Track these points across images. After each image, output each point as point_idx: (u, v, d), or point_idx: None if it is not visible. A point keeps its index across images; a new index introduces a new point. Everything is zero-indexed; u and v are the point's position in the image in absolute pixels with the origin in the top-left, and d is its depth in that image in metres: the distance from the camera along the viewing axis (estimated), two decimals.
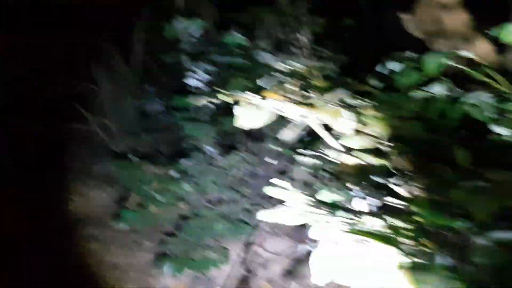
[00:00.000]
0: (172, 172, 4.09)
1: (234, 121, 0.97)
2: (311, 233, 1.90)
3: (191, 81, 4.22)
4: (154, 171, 4.23)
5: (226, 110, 4.78)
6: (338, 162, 0.98)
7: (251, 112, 1.01)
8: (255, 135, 4.54)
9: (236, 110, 0.98)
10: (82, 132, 7.88)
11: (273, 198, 4.00)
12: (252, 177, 4.50)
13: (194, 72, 4.45)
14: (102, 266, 4.30)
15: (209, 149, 4.00)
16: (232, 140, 4.59)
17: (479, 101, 1.60)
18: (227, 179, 3.77)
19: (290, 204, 1.76)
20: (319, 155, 1.30)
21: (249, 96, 0.95)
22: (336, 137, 0.99)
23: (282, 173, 4.02)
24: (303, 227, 2.55)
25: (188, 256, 3.41)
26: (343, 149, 0.96)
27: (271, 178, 4.26)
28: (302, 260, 3.70)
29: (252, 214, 3.83)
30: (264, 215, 1.62)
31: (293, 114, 0.98)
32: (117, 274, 4.13)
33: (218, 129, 4.12)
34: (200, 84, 4.32)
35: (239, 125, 1.00)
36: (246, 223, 3.61)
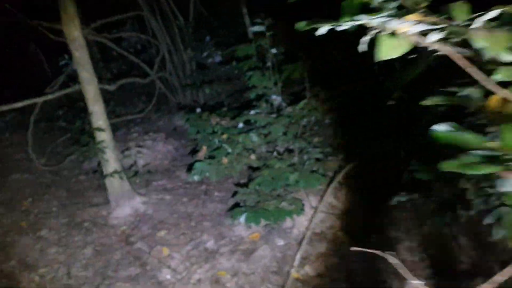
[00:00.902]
0: (240, 124, 4.03)
1: (377, 52, 0.79)
2: None
3: (255, 28, 4.02)
4: (222, 123, 4.19)
5: (290, 58, 4.60)
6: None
7: (392, 41, 0.83)
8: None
9: (378, 39, 0.80)
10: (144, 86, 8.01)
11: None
12: (321, 126, 4.36)
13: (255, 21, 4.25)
14: (176, 217, 4.43)
15: (276, 98, 3.86)
16: (299, 88, 4.43)
17: None
18: (296, 128, 3.63)
19: None
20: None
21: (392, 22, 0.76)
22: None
23: None
24: None
25: (263, 207, 3.38)
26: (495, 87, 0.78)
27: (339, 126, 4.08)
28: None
29: (325, 164, 3.71)
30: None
31: (432, 41, 0.78)
32: (191, 224, 4.24)
33: (283, 77, 3.96)
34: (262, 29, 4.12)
35: (380, 57, 0.82)
36: (319, 173, 3.50)
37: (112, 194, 4.65)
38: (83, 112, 7.10)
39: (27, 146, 6.29)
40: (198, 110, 4.54)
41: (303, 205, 3.45)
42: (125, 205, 4.63)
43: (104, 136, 4.41)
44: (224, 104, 5.89)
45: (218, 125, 4.11)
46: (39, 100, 4.96)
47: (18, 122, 7.92)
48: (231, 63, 6.40)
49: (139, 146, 6.12)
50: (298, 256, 2.81)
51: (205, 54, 6.28)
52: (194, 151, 5.09)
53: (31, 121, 5.93)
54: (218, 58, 6.27)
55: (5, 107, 4.74)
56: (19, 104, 4.71)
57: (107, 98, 6.09)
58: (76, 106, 7.30)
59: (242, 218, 3.40)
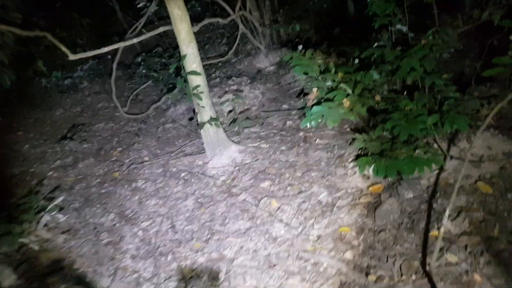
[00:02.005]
0: (355, 60, 3.48)
1: None
2: None
3: None
4: (331, 60, 3.67)
5: None
6: None
7: None
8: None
9: None
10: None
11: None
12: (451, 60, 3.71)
13: None
14: (277, 166, 4.08)
15: (401, 27, 3.24)
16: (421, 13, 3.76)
17: None
18: (430, 63, 3.02)
19: None
20: None
21: None
22: None
23: None
24: None
25: (392, 155, 2.90)
26: None
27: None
28: None
29: (464, 104, 3.12)
30: None
31: None
32: (296, 174, 3.88)
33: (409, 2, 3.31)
34: None
35: None
36: (462, 115, 2.89)
37: (207, 142, 4.37)
38: (163, 57, 6.86)
39: (111, 94, 6.15)
40: (300, 47, 4.02)
41: (441, 153, 2.94)
42: (222, 154, 4.34)
43: (200, 80, 4.05)
44: (316, 41, 5.33)
45: (330, 63, 3.59)
46: (124, 44, 4.67)
47: (96, 71, 7.83)
48: None
49: (224, 91, 5.77)
50: (447, 212, 2.34)
51: None
52: (301, 94, 4.63)
53: (113, 68, 5.73)
54: None
55: (92, 53, 4.49)
56: (105, 49, 4.43)
57: None
58: (155, 52, 7.03)
59: (370, 169, 2.96)
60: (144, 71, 6.59)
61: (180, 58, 4.01)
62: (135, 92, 6.60)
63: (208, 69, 6.54)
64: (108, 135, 5.85)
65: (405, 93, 3.14)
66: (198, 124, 4.25)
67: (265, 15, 6.61)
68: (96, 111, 6.87)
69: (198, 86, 4.04)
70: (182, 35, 3.93)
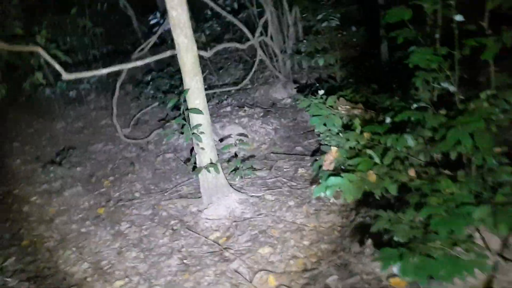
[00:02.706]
0: (387, 119, 2.87)
1: None
2: None
3: None
4: (357, 112, 3.10)
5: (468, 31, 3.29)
6: None
7: None
8: None
9: None
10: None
11: None
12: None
13: None
14: (282, 228, 3.48)
15: (448, 86, 2.61)
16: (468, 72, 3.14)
17: None
18: (485, 138, 2.38)
19: None
20: None
21: None
22: None
23: None
24: None
25: (423, 250, 2.28)
26: None
27: None
28: None
29: None
30: None
31: None
32: (303, 243, 3.27)
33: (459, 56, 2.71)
34: None
35: None
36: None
37: (204, 188, 3.81)
38: (173, 78, 6.36)
39: (112, 114, 5.66)
40: (321, 91, 3.45)
41: (489, 253, 2.32)
42: (219, 203, 3.77)
43: (201, 119, 3.51)
44: (341, 81, 4.76)
45: (356, 117, 3.01)
46: (126, 66, 4.17)
47: (104, 84, 7.39)
48: (349, 27, 5.18)
49: (234, 123, 5.22)
50: None
51: (319, 16, 5.09)
52: (316, 152, 4.06)
53: (116, 87, 5.24)
54: (335, 22, 5.06)
55: (88, 74, 4.02)
56: (104, 71, 3.94)
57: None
58: (166, 71, 6.55)
59: (395, 268, 2.35)
60: (152, 91, 6.10)
61: (182, 91, 3.48)
62: (139, 114, 6.10)
63: (219, 95, 6.02)
64: (103, 159, 5.35)
65: (446, 170, 2.53)
66: (194, 168, 3.70)
67: (287, 42, 6.07)
68: (97, 128, 6.41)
69: (199, 125, 3.50)
70: (186, 67, 3.40)
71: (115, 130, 6.05)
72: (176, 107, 5.65)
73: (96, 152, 5.57)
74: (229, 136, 4.96)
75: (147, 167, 4.94)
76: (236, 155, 4.51)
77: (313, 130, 5.06)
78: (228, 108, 5.75)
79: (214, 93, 5.81)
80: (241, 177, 3.99)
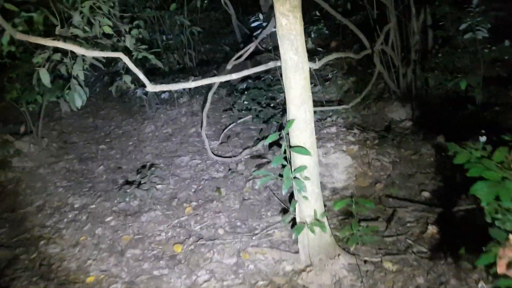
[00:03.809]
0: None
1: None
2: None
3: None
4: None
5: None
6: None
7: None
8: None
9: None
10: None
11: None
12: None
13: None
14: None
15: None
16: None
17: None
18: None
19: None
20: None
21: None
22: None
23: None
24: None
25: None
26: None
27: None
28: None
29: None
30: None
31: None
32: None
33: None
34: None
35: None
36: None
37: (303, 244, 2.97)
38: (271, 89, 5.58)
39: (200, 127, 5.05)
40: (483, 138, 2.40)
41: None
42: (322, 268, 2.91)
43: (307, 161, 2.67)
44: (480, 106, 3.59)
45: None
46: (218, 80, 3.47)
47: (198, 87, 6.85)
48: (501, 41, 3.96)
49: (340, 150, 4.30)
50: None
51: (462, 25, 3.95)
52: (457, 211, 2.99)
53: (208, 99, 4.59)
54: (482, 34, 3.88)
55: (175, 86, 3.38)
56: (193, 84, 3.26)
57: None
58: (264, 79, 5.78)
59: None
60: (246, 102, 5.38)
61: (286, 122, 2.65)
62: (231, 126, 5.43)
63: (323, 112, 5.11)
64: (188, 176, 4.75)
65: None
66: (293, 225, 2.86)
67: (411, 52, 4.96)
68: (186, 137, 5.86)
69: (303, 167, 2.66)
70: (293, 91, 2.57)
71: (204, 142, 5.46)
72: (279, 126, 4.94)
73: (181, 166, 5.00)
74: (334, 167, 4.06)
75: (235, 194, 4.23)
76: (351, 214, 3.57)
77: (445, 171, 4.00)
78: (333, 129, 4.83)
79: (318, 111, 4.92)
80: (358, 243, 3.07)
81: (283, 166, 2.71)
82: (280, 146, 3.11)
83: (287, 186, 2.63)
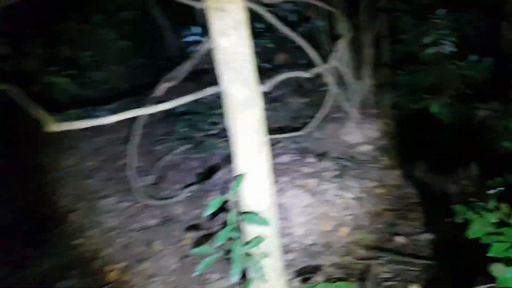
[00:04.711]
0: None
1: None
2: None
3: None
4: None
5: None
6: None
7: None
8: None
9: None
10: None
11: None
12: None
13: None
14: None
15: None
16: None
17: None
18: None
19: None
20: None
21: None
22: None
23: None
24: None
25: None
26: None
27: None
28: None
29: None
30: None
31: None
32: None
33: None
34: None
35: None
36: None
37: None
38: (214, 113, 4.83)
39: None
40: (495, 191, 1.80)
41: None
42: None
43: (266, 231, 1.95)
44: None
45: None
46: (145, 112, 2.71)
47: (129, 102, 5.92)
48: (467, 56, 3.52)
49: (296, 186, 3.66)
50: None
51: (427, 39, 3.47)
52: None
53: (134, 134, 3.77)
54: (449, 48, 3.42)
55: (88, 123, 2.56)
56: (114, 118, 2.45)
57: None
58: (206, 101, 4.99)
59: None
60: (185, 129, 4.58)
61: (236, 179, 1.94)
62: (168, 157, 4.62)
63: (271, 143, 4.44)
64: (114, 225, 3.88)
65: None
66: None
67: (365, 68, 4.45)
68: (114, 170, 4.93)
69: (260, 240, 1.94)
70: (243, 137, 1.86)
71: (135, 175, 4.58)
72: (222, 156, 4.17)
73: (105, 211, 4.10)
74: (290, 207, 3.40)
75: (172, 249, 3.44)
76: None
77: (416, 202, 3.47)
78: (286, 158, 4.19)
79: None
80: None
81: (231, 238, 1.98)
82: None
83: (238, 269, 1.90)
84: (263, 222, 1.88)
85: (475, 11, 3.74)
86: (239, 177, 1.91)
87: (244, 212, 1.93)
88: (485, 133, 3.31)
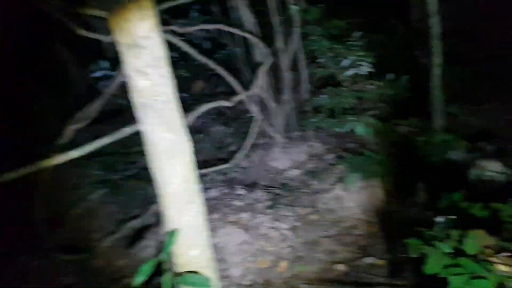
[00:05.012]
0: None
1: None
2: None
3: None
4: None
5: None
6: None
7: None
8: None
9: None
10: None
11: None
12: None
13: None
14: None
15: None
16: None
17: None
18: None
19: None
20: None
21: None
22: None
23: None
24: None
25: None
26: None
27: None
28: None
29: None
30: None
31: None
32: None
33: None
34: None
35: None
36: None
37: None
38: (130, 151, 4.46)
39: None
40: (439, 219, 1.74)
41: None
42: None
43: None
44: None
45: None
46: (47, 164, 2.33)
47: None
48: (384, 75, 3.62)
49: (229, 222, 3.44)
50: None
51: (345, 61, 3.51)
52: None
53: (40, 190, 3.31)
54: (365, 69, 3.49)
55: None
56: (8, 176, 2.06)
57: None
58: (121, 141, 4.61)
59: None
60: (99, 172, 4.17)
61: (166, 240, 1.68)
62: (81, 205, 4.15)
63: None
64: None
65: None
66: None
67: (285, 92, 4.42)
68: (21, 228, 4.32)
69: None
70: (172, 188, 1.63)
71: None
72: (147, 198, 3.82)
73: (18, 271, 3.55)
74: (225, 246, 3.18)
75: None
76: None
77: (350, 226, 3.44)
78: (214, 192, 3.98)
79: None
80: None
81: None
82: None
83: None
84: (204, 283, 1.64)
85: (388, 33, 3.90)
86: (171, 234, 1.67)
87: (180, 273, 1.68)
88: (411, 150, 3.39)
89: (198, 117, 5.15)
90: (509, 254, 1.61)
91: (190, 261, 1.73)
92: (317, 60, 3.84)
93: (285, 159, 4.46)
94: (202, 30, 5.20)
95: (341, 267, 3.03)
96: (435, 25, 3.31)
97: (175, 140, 1.59)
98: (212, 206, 3.72)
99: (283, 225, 3.48)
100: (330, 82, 3.88)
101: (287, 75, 4.41)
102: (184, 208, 1.67)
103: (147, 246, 3.49)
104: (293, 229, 3.46)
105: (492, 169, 3.24)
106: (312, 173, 4.08)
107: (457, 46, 4.32)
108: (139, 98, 1.56)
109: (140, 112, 1.58)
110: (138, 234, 3.60)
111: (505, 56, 4.67)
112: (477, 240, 1.63)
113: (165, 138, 1.57)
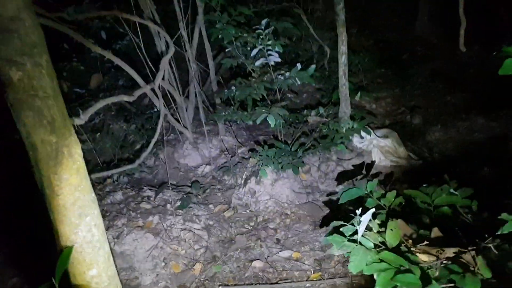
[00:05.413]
0: None
1: None
2: None
3: None
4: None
5: None
6: None
7: None
8: None
9: None
10: None
11: None
12: None
13: None
14: None
15: None
16: None
17: None
18: None
19: None
20: None
21: None
22: None
23: None
24: None
25: None
26: None
27: None
28: None
29: None
30: None
31: None
32: None
33: None
34: None
35: None
36: None
37: None
38: None
39: None
40: (365, 218, 1.68)
41: None
42: None
43: None
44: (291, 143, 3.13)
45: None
46: None
47: None
48: (295, 65, 3.59)
49: (137, 227, 3.17)
50: None
51: (254, 51, 3.40)
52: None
53: None
54: (274, 59, 3.42)
55: None
56: None
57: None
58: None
59: None
60: None
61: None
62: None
63: (98, 181, 3.86)
64: None
65: None
66: None
67: (192, 84, 4.23)
68: None
69: None
70: (62, 200, 1.37)
71: None
72: None
73: None
74: (133, 253, 2.91)
75: None
76: None
77: (266, 220, 3.37)
78: (119, 195, 3.66)
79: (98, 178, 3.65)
80: None
81: None
82: None
83: None
84: None
85: (296, 21, 3.86)
86: (64, 252, 1.41)
87: None
88: (321, 139, 3.39)
89: (97, 114, 4.75)
90: (427, 242, 1.62)
91: (90, 281, 1.48)
92: (225, 50, 3.69)
93: (195, 155, 4.28)
94: (97, 18, 4.76)
95: (258, 264, 2.94)
96: (340, 13, 3.34)
97: (60, 143, 1.33)
98: (117, 211, 3.42)
99: (196, 225, 3.30)
100: (239, 73, 3.75)
101: (193, 66, 4.21)
102: (79, 222, 1.42)
103: None
104: (207, 228, 3.30)
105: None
106: (224, 169, 3.95)
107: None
108: (13, 94, 1.27)
109: (16, 111, 1.30)
110: None
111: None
112: (396, 231, 1.62)
113: (47, 142, 1.31)
